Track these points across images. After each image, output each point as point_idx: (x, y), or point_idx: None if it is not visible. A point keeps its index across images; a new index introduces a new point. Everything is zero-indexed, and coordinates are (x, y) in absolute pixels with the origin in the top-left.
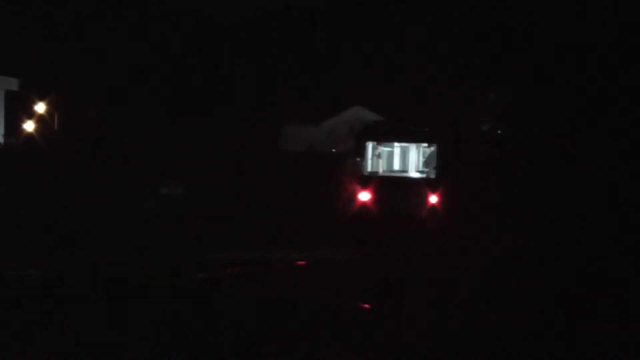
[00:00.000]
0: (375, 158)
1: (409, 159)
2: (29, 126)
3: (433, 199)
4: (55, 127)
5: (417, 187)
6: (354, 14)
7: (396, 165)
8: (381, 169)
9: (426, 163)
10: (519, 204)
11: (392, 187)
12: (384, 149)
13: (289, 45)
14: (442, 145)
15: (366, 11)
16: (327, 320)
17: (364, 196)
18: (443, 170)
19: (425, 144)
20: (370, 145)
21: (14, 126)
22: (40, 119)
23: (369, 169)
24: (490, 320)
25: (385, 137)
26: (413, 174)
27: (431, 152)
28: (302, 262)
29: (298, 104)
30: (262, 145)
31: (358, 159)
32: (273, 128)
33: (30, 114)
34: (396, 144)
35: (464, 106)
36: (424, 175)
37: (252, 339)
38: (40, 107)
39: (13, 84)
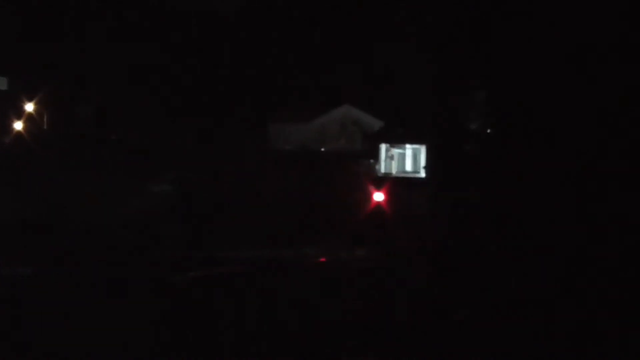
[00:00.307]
0: (388, 160)
1: (420, 160)
2: (19, 125)
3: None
4: (46, 126)
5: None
6: (344, 12)
7: (408, 167)
8: (394, 170)
9: None
10: (515, 203)
11: (405, 187)
12: (396, 151)
13: (280, 43)
14: (432, 145)
15: (356, 9)
16: (328, 320)
17: (379, 197)
18: (433, 170)
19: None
20: (383, 147)
21: (4, 125)
22: (30, 118)
23: (383, 170)
24: (490, 320)
25: (398, 139)
26: (424, 174)
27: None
28: (323, 259)
29: (288, 101)
30: (257, 143)
31: (372, 160)
32: (266, 126)
33: (20, 113)
34: (408, 145)
35: (455, 105)
36: None
37: (252, 339)
38: (30, 107)
39: (2, 83)
